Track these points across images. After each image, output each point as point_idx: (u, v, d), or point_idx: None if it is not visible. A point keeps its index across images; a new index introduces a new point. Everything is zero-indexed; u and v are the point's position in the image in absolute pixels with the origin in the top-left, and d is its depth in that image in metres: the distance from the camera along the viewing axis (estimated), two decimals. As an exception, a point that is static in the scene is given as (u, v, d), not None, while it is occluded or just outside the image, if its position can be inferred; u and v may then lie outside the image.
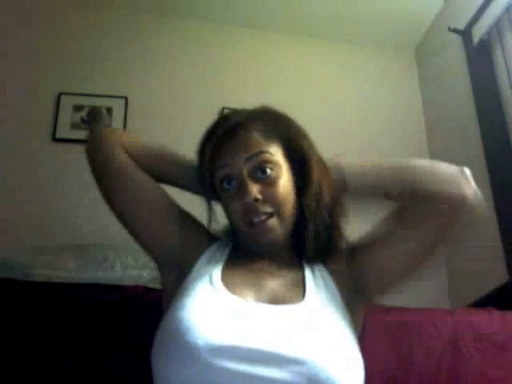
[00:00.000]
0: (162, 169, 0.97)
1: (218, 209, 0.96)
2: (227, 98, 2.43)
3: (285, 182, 0.89)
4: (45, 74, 2.35)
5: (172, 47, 2.55)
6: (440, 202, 0.85)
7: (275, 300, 0.81)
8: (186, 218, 0.96)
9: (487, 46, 2.18)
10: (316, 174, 0.90)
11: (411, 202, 0.88)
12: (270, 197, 0.87)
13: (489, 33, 2.15)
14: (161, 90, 2.43)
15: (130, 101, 2.35)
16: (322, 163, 0.94)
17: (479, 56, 2.19)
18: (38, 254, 1.62)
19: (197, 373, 0.69)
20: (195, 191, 0.98)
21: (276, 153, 0.90)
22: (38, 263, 1.56)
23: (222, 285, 0.81)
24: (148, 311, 0.96)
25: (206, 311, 0.75)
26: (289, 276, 0.89)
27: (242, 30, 2.66)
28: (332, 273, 0.91)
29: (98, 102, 2.32)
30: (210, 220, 0.97)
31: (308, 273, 0.90)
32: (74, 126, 2.27)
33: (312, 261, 0.92)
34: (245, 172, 0.87)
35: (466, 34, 2.26)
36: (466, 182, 0.86)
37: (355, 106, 2.58)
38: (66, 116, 2.27)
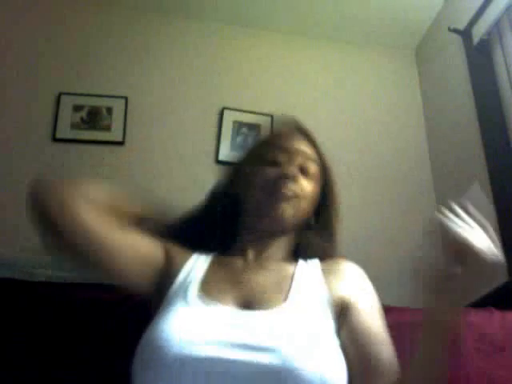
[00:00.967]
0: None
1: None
2: (227, 98, 2.43)
3: (316, 188, 1.01)
4: (45, 74, 2.35)
5: (172, 47, 2.55)
6: None
7: (253, 302, 0.83)
8: (167, 248, 0.95)
9: (487, 46, 2.18)
10: (337, 203, 1.05)
11: None
12: (303, 185, 0.97)
13: (489, 33, 2.15)
14: (161, 90, 2.43)
15: (129, 101, 2.35)
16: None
17: (479, 56, 2.18)
18: (39, 254, 1.62)
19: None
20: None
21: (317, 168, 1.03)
22: (38, 263, 1.56)
23: (197, 297, 0.83)
24: (148, 311, 0.96)
25: (176, 330, 0.75)
26: (278, 270, 0.92)
27: (242, 30, 2.66)
28: (324, 273, 0.92)
29: (98, 102, 2.32)
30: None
31: (300, 269, 0.92)
32: (73, 125, 2.27)
33: (309, 255, 0.97)
34: (300, 155, 0.99)
35: (466, 34, 2.26)
36: None
37: (355, 106, 2.58)
38: (66, 116, 2.27)
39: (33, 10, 2.45)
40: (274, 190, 0.93)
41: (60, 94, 2.30)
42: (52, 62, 2.38)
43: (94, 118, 2.29)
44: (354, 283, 0.93)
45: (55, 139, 2.22)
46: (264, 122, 2.28)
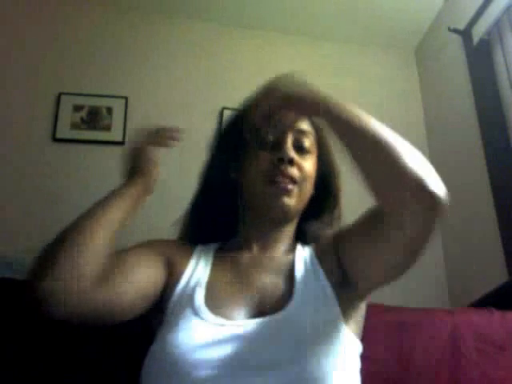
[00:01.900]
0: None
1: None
2: (227, 98, 2.43)
3: (313, 161, 0.96)
4: (45, 74, 2.35)
5: (172, 47, 2.55)
6: (405, 184, 0.71)
7: (262, 306, 0.81)
8: (168, 256, 0.90)
9: (487, 46, 2.18)
10: (338, 177, 1.02)
11: (374, 173, 0.77)
12: (301, 165, 0.92)
13: (489, 33, 2.15)
14: (161, 90, 2.43)
15: (129, 101, 2.35)
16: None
17: (479, 56, 2.18)
18: (39, 254, 1.62)
19: None
20: None
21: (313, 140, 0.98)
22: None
23: (205, 306, 0.80)
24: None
25: (189, 344, 0.73)
26: (280, 267, 0.89)
27: (243, 31, 2.66)
28: (321, 262, 0.89)
29: (98, 102, 2.32)
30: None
31: (299, 262, 0.89)
32: (73, 125, 2.26)
33: (311, 238, 0.95)
34: (293, 129, 0.94)
35: (466, 34, 2.26)
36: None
37: (355, 106, 2.57)
38: (66, 116, 2.27)
39: (33, 11, 2.45)
40: (273, 181, 0.89)
41: (60, 94, 2.30)
42: (52, 62, 2.38)
43: (94, 118, 2.29)
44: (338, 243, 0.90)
45: (55, 139, 2.22)
46: (264, 121, 2.28)
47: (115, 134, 2.27)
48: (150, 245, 0.91)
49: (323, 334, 0.76)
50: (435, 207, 0.70)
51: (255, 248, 0.93)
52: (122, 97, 2.34)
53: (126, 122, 2.30)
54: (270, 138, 0.92)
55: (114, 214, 0.80)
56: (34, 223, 2.01)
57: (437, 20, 2.58)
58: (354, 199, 1.02)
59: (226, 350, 0.72)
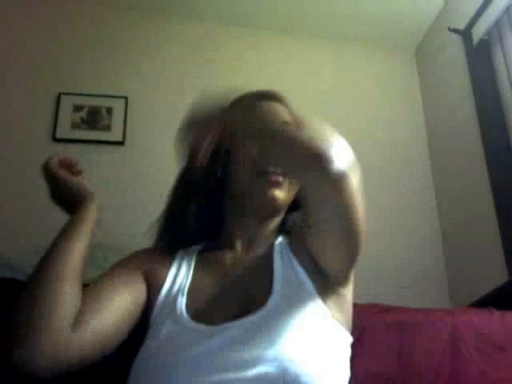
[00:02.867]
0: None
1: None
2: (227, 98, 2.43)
3: None
4: (45, 73, 2.35)
5: (172, 47, 2.55)
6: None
7: (248, 306, 0.79)
8: (146, 270, 0.88)
9: (487, 46, 2.18)
10: None
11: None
12: None
13: (489, 33, 2.15)
14: (161, 89, 2.43)
15: (130, 101, 2.35)
16: None
17: (479, 56, 2.19)
18: (39, 254, 1.62)
19: None
20: None
21: None
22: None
23: (187, 315, 0.79)
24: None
25: (169, 353, 0.73)
26: (262, 262, 0.87)
27: (242, 30, 2.66)
28: (295, 250, 0.88)
29: (98, 101, 2.32)
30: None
31: (277, 254, 0.88)
32: (73, 125, 2.27)
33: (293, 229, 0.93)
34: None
35: (466, 34, 2.26)
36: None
37: (355, 106, 2.58)
38: (66, 116, 2.27)
39: (33, 11, 2.45)
40: (263, 172, 0.87)
41: (60, 94, 2.30)
42: (52, 62, 2.38)
43: (94, 118, 2.29)
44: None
45: (55, 139, 2.23)
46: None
47: (115, 134, 2.27)
48: (124, 264, 0.88)
49: (304, 324, 0.76)
50: (337, 179, 0.70)
51: (239, 246, 0.91)
52: (121, 97, 2.34)
53: (126, 122, 2.30)
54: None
55: (76, 259, 0.78)
56: (33, 223, 2.01)
57: (437, 20, 2.58)
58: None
59: (206, 356, 0.72)
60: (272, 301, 0.78)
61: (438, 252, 2.29)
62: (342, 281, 0.85)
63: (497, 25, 2.09)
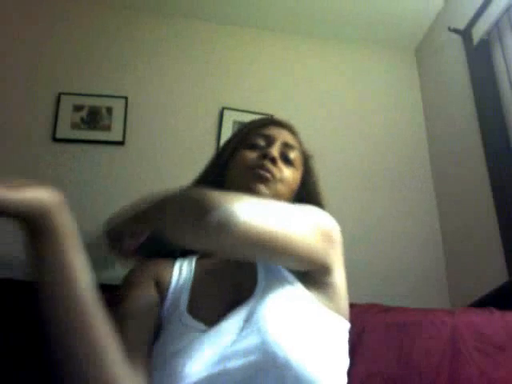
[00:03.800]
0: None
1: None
2: (227, 98, 2.43)
3: (296, 175, 1.03)
4: (45, 74, 2.35)
5: (172, 47, 2.55)
6: None
7: (234, 298, 0.84)
8: (155, 278, 0.92)
9: (487, 46, 2.18)
10: (317, 192, 1.08)
11: None
12: (282, 169, 0.99)
13: (489, 33, 2.15)
14: (161, 90, 2.43)
15: (130, 101, 2.35)
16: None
17: (479, 56, 2.19)
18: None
19: None
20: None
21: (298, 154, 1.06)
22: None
23: (188, 315, 0.82)
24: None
25: (181, 355, 0.75)
26: (246, 264, 0.90)
27: (242, 30, 2.66)
28: None
29: (98, 101, 2.32)
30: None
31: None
32: (74, 125, 2.26)
33: None
34: (280, 141, 1.02)
35: (466, 33, 2.26)
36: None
37: (355, 106, 2.58)
38: (66, 116, 2.27)
39: (33, 10, 2.45)
40: (252, 170, 0.95)
41: (60, 94, 2.30)
42: (52, 62, 2.38)
43: (94, 118, 2.29)
44: None
45: (55, 139, 2.22)
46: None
47: (115, 134, 2.27)
48: (138, 277, 0.92)
49: (290, 310, 0.77)
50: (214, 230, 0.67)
51: None
52: (121, 97, 2.34)
53: (125, 122, 2.30)
54: (259, 142, 1.03)
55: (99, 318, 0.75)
56: (33, 223, 2.00)
57: (437, 20, 2.58)
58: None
59: (205, 352, 0.75)
60: (258, 291, 0.82)
61: (438, 252, 2.29)
62: (322, 272, 0.85)
63: (497, 25, 2.09)
